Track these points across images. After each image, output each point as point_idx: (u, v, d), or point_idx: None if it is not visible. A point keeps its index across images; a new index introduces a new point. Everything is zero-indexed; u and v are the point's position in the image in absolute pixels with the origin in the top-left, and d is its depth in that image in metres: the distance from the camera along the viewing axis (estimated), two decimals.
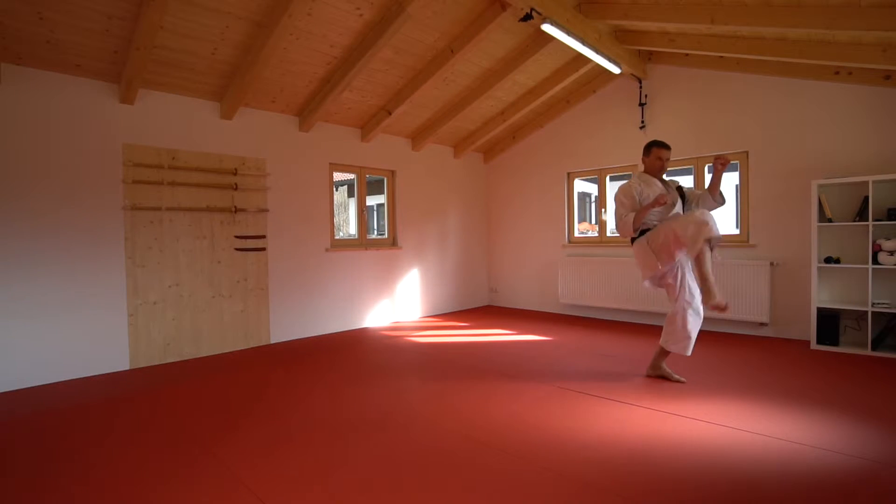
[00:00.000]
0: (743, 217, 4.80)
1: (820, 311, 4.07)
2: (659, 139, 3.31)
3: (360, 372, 3.65)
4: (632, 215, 3.10)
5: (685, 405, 2.79)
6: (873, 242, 3.83)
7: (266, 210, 4.60)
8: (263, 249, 4.60)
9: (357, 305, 5.43)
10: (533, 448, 2.30)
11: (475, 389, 3.19)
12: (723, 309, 2.85)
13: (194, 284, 4.15)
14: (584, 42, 4.10)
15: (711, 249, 2.90)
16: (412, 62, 4.38)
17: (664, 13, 3.83)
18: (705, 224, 2.80)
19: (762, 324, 4.59)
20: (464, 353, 4.20)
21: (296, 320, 4.87)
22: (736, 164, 4.83)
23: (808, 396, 2.91)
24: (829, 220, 4.06)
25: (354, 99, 4.77)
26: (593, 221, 12.56)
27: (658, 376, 3.33)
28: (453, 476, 2.05)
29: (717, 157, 3.00)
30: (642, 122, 5.33)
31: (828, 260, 4.07)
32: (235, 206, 4.37)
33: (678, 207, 3.20)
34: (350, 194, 14.58)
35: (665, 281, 3.22)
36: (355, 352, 4.31)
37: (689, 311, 3.08)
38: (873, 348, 3.84)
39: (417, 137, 5.94)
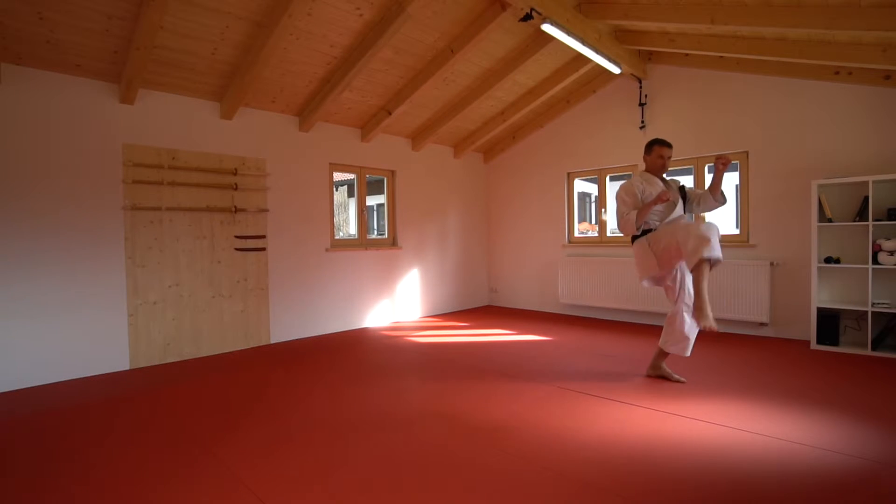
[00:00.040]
0: (743, 217, 4.80)
1: (820, 311, 4.07)
2: (660, 137, 3.29)
3: (360, 372, 3.65)
4: (633, 213, 3.08)
5: (685, 405, 2.80)
6: (873, 242, 3.83)
7: (266, 210, 4.60)
8: (263, 249, 4.60)
9: (357, 305, 5.43)
10: (533, 448, 2.30)
11: (475, 389, 3.19)
12: (713, 330, 2.79)
13: (194, 284, 4.15)
14: (584, 42, 4.10)
15: (711, 268, 2.83)
16: (412, 62, 4.38)
17: (664, 13, 3.83)
18: (707, 241, 2.75)
19: (762, 324, 4.59)
20: (464, 353, 4.20)
21: (296, 320, 4.87)
22: (736, 164, 4.82)
23: (808, 396, 2.92)
24: (829, 220, 4.06)
25: (354, 99, 4.77)
26: (593, 221, 12.56)
27: (658, 376, 3.33)
28: (453, 476, 2.05)
29: (718, 157, 2.98)
30: (642, 122, 5.33)
31: (828, 260, 4.07)
32: (235, 206, 4.37)
33: (679, 209, 3.17)
34: (350, 194, 14.58)
35: (664, 283, 3.22)
36: (355, 352, 4.31)
37: (689, 313, 3.07)
38: (873, 348, 3.84)
39: (417, 137, 5.94)
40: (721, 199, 3.16)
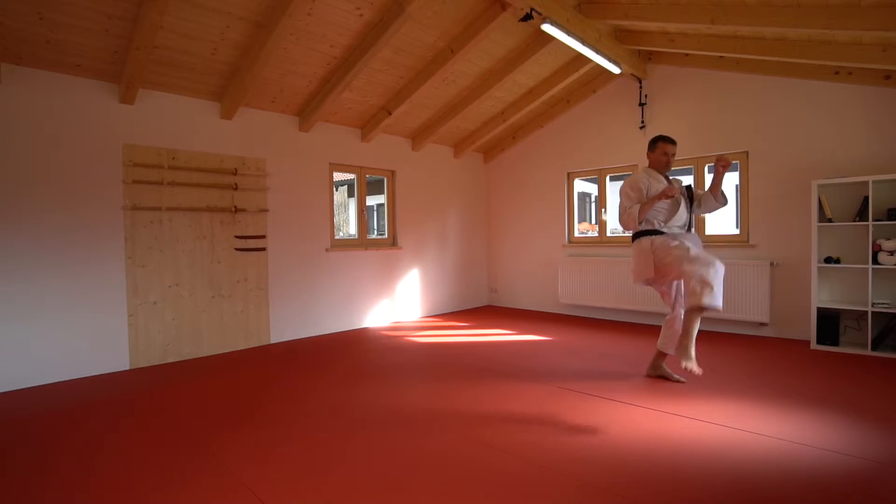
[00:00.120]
0: (743, 217, 4.80)
1: (820, 311, 4.07)
2: (667, 133, 3.22)
3: (359, 372, 3.65)
4: (636, 207, 3.00)
5: (685, 405, 2.79)
6: (873, 242, 3.83)
7: (266, 210, 4.60)
8: (263, 249, 4.60)
9: (357, 305, 5.43)
10: (533, 448, 2.30)
11: (475, 389, 3.19)
12: (694, 372, 2.68)
13: (194, 284, 4.15)
14: (584, 42, 4.10)
15: (704, 309, 2.72)
16: (412, 62, 4.38)
17: (664, 13, 3.83)
18: (710, 288, 2.66)
19: (762, 324, 4.59)
20: (464, 353, 4.20)
21: (296, 320, 4.87)
22: (736, 164, 4.83)
23: (809, 396, 2.91)
24: (829, 220, 4.06)
25: (354, 99, 4.77)
26: (593, 221, 12.56)
27: (658, 376, 3.33)
28: (454, 476, 2.05)
29: (718, 158, 2.96)
30: (642, 122, 5.33)
31: (828, 260, 4.07)
32: (235, 206, 4.37)
33: (682, 211, 3.08)
34: (350, 194, 14.58)
35: (659, 287, 3.19)
36: (355, 352, 4.31)
37: None
38: (873, 348, 3.84)
39: (417, 137, 5.94)
40: (722, 200, 3.13)
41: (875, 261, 3.82)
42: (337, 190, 13.83)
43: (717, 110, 4.84)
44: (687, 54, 4.81)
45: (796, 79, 4.36)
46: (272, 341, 4.68)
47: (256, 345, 4.55)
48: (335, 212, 6.26)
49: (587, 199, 13.79)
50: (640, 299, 5.25)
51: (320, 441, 2.41)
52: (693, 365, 2.66)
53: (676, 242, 2.90)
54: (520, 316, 6.07)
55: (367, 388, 3.25)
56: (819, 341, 4.05)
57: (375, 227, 12.84)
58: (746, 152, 4.70)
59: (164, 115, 3.99)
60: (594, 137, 5.81)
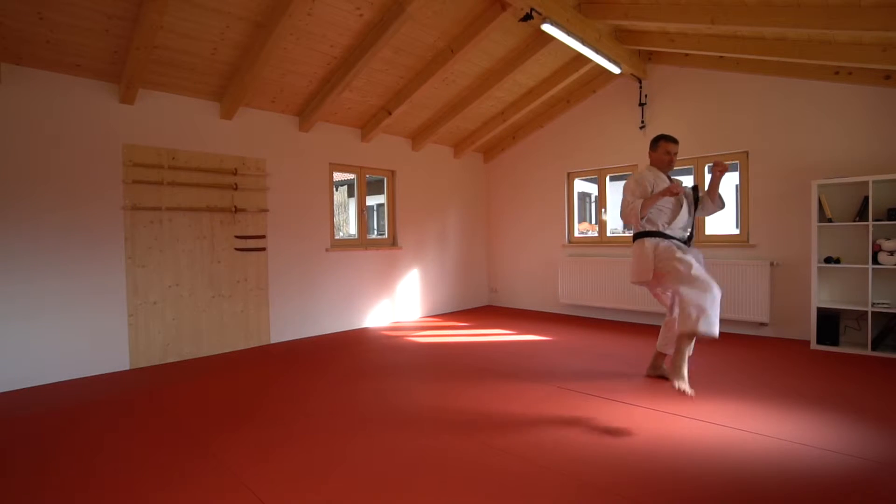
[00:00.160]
0: (743, 217, 4.80)
1: (820, 311, 4.07)
2: (667, 133, 3.15)
3: (359, 372, 3.65)
4: (639, 202, 2.92)
5: (685, 405, 2.79)
6: (873, 242, 3.83)
7: (266, 210, 4.60)
8: (263, 249, 4.60)
9: (357, 305, 5.43)
10: (533, 448, 2.30)
11: (475, 389, 3.19)
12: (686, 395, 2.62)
13: (194, 284, 4.15)
14: (584, 42, 4.10)
15: (697, 335, 2.69)
16: (412, 62, 4.38)
17: (664, 13, 3.83)
18: (706, 315, 2.63)
19: (762, 324, 4.59)
20: (464, 353, 4.20)
21: (296, 320, 4.87)
22: (736, 164, 4.83)
23: (809, 396, 2.91)
24: (829, 220, 4.06)
25: (354, 99, 4.77)
26: (593, 221, 12.56)
27: (658, 376, 3.33)
28: (454, 476, 2.05)
29: (715, 163, 2.92)
30: (642, 122, 5.33)
31: (828, 260, 4.07)
32: (235, 206, 4.37)
33: (684, 213, 3.01)
34: (350, 194, 14.58)
35: (653, 290, 3.15)
36: (355, 352, 4.31)
37: None
38: (873, 348, 3.84)
39: (417, 137, 5.94)
40: (719, 204, 3.08)
41: (875, 261, 3.82)
42: (337, 190, 13.83)
43: (717, 110, 4.84)
44: (687, 54, 4.81)
45: (796, 79, 4.36)
46: (272, 341, 4.68)
47: (256, 345, 4.55)
48: (335, 212, 6.26)
49: (587, 199, 13.79)
50: (640, 299, 5.25)
51: (320, 441, 2.41)
52: (685, 386, 2.61)
53: (679, 255, 2.82)
54: (520, 316, 6.07)
55: (367, 388, 3.25)
56: (819, 341, 4.05)
57: (375, 227, 12.84)
58: (746, 152, 4.70)
59: (164, 115, 3.99)
60: (594, 137, 5.81)
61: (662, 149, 3.06)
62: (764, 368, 3.54)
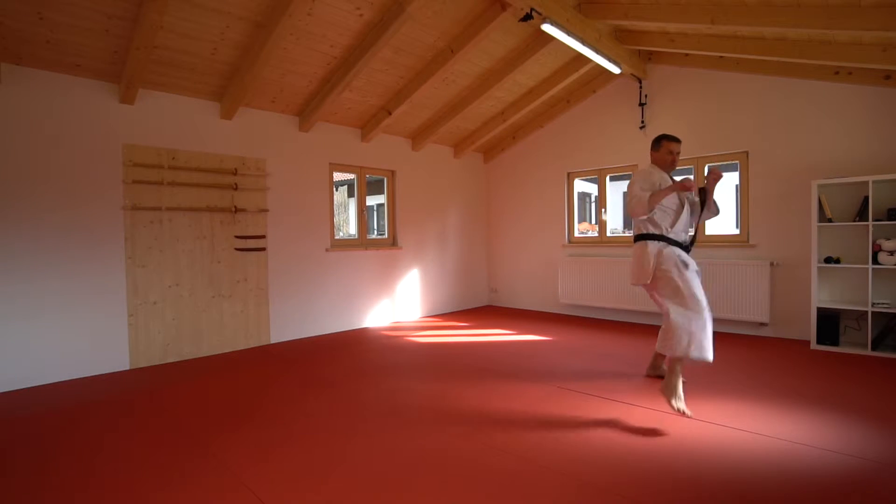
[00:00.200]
0: (743, 217, 4.80)
1: (820, 311, 4.07)
2: (668, 133, 3.09)
3: (359, 372, 3.65)
4: (647, 194, 2.82)
5: (685, 405, 2.79)
6: (873, 242, 3.83)
7: (266, 210, 4.60)
8: (263, 249, 4.60)
9: (357, 305, 5.43)
10: (533, 448, 2.30)
11: (475, 389, 3.19)
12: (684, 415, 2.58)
13: (194, 284, 4.15)
14: (584, 42, 4.10)
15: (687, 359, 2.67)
16: (412, 62, 4.38)
17: (664, 13, 3.83)
18: (696, 340, 2.59)
19: (762, 324, 4.59)
20: (464, 353, 4.20)
21: (296, 320, 4.87)
22: (736, 163, 4.84)
23: (809, 396, 2.92)
24: (829, 220, 4.06)
25: (354, 99, 4.77)
26: (593, 221, 12.56)
27: (658, 376, 3.33)
28: (454, 475, 2.05)
29: (710, 171, 2.87)
30: (642, 122, 5.33)
31: (828, 260, 4.07)
32: (235, 206, 4.37)
33: (686, 216, 2.96)
34: (350, 194, 14.59)
35: (651, 293, 3.09)
36: (355, 352, 4.31)
37: None
38: (873, 348, 3.84)
39: (417, 137, 5.94)
40: (714, 210, 3.03)
41: (875, 261, 3.82)
42: (337, 190, 13.83)
43: (717, 110, 4.84)
44: (687, 54, 4.82)
45: (796, 79, 4.36)
46: (272, 341, 4.68)
47: (256, 345, 4.55)
48: (335, 212, 6.26)
49: (587, 199, 13.79)
50: (640, 299, 5.24)
51: (320, 441, 2.41)
52: (683, 405, 2.57)
53: (677, 272, 2.76)
54: (520, 316, 6.07)
55: (367, 389, 3.25)
56: (819, 341, 4.05)
57: (375, 227, 12.84)
58: (746, 152, 4.70)
59: (164, 115, 3.99)
60: (594, 137, 5.81)
61: (665, 148, 2.99)
62: (764, 368, 3.54)
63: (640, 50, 5.02)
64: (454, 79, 4.84)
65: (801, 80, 4.33)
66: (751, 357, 3.87)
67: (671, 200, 2.91)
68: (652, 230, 2.93)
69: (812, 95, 4.31)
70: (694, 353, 2.58)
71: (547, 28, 3.79)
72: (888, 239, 3.81)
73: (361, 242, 5.68)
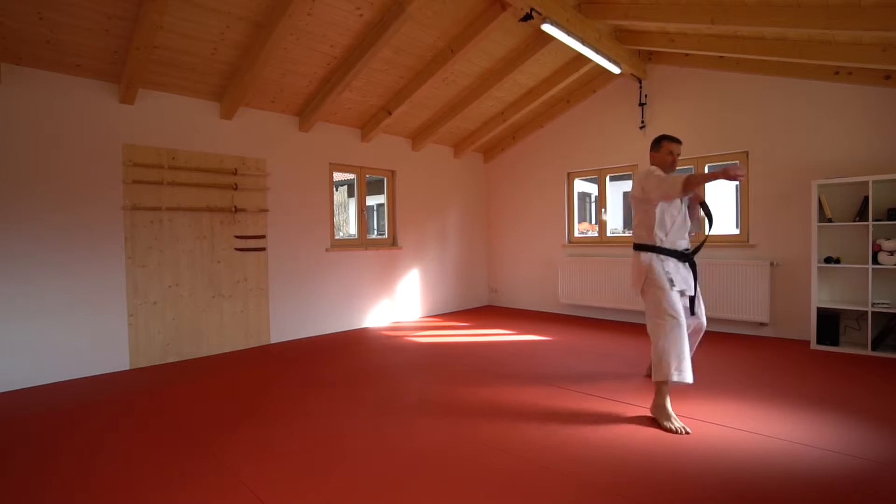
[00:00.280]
0: (743, 217, 4.80)
1: (820, 311, 4.07)
2: (669, 133, 3.02)
3: (359, 372, 3.65)
4: (681, 176, 2.56)
5: (685, 405, 2.79)
6: (873, 242, 3.83)
7: (266, 210, 4.60)
8: (263, 249, 4.60)
9: (357, 305, 5.43)
10: (533, 448, 2.30)
11: (475, 389, 3.19)
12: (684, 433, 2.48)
13: (194, 284, 4.15)
14: (584, 42, 4.10)
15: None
16: (412, 62, 4.38)
17: (664, 13, 3.83)
18: (677, 364, 2.53)
19: (762, 324, 4.59)
20: (464, 353, 4.20)
21: (296, 320, 4.87)
22: (736, 164, 4.82)
23: (809, 397, 2.91)
24: (829, 220, 4.06)
25: (354, 99, 4.77)
26: (593, 221, 12.57)
27: None
28: (454, 476, 2.05)
29: (695, 197, 2.86)
30: (642, 122, 5.33)
31: (828, 260, 4.07)
32: (235, 206, 4.37)
33: (686, 225, 2.90)
34: (350, 194, 14.59)
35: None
36: (355, 352, 4.31)
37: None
38: (873, 348, 3.84)
39: (417, 137, 5.94)
40: (696, 226, 2.99)
41: (875, 261, 3.82)
42: (337, 190, 13.83)
43: (717, 110, 4.84)
44: (687, 54, 4.82)
45: (796, 79, 4.36)
46: (272, 341, 4.68)
47: (256, 345, 4.55)
48: (335, 212, 6.26)
49: (587, 199, 13.80)
50: (639, 299, 5.22)
51: (320, 441, 2.41)
52: (678, 423, 2.49)
53: (660, 289, 2.69)
54: (520, 316, 6.07)
55: (366, 388, 3.25)
56: (819, 341, 4.05)
57: (375, 227, 12.84)
58: (746, 152, 4.70)
59: (164, 115, 3.99)
60: (594, 137, 5.81)
61: (665, 149, 2.90)
62: (764, 368, 3.54)
63: (640, 50, 5.02)
64: (454, 79, 4.84)
65: (801, 80, 4.33)
66: (751, 357, 3.87)
67: (676, 207, 2.81)
68: (646, 240, 2.84)
69: (812, 95, 4.31)
70: (674, 378, 2.54)
71: (547, 28, 3.79)
72: (888, 239, 3.81)
73: (361, 242, 5.68)
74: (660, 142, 2.95)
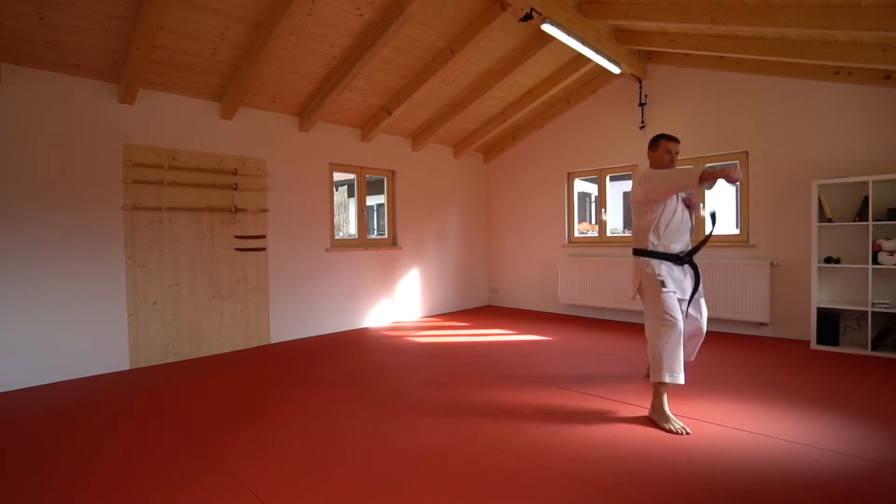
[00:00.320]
0: (743, 217, 4.80)
1: (820, 311, 4.07)
2: (667, 132, 2.98)
3: (359, 372, 3.65)
4: (695, 169, 2.50)
5: (685, 405, 2.79)
6: (873, 242, 3.83)
7: (266, 210, 4.60)
8: (263, 249, 4.60)
9: (357, 305, 5.43)
10: (533, 448, 2.30)
11: (475, 389, 3.19)
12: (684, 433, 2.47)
13: (194, 284, 4.15)
14: (583, 42, 4.10)
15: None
16: (412, 62, 4.38)
17: (664, 13, 3.83)
18: (669, 365, 2.54)
19: (762, 324, 4.59)
20: (464, 353, 4.20)
21: (296, 320, 4.87)
22: (736, 164, 4.84)
23: (809, 397, 2.91)
24: (829, 220, 4.06)
25: (354, 99, 4.77)
26: (593, 221, 12.57)
27: None
28: (454, 476, 2.05)
29: (690, 197, 2.88)
30: (642, 122, 5.33)
31: (828, 260, 4.07)
32: (235, 206, 4.37)
33: (686, 219, 2.86)
34: (350, 194, 14.58)
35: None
36: (355, 352, 4.31)
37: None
38: (873, 348, 3.84)
39: (417, 137, 5.94)
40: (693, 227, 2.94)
41: (875, 261, 3.82)
42: (337, 190, 13.83)
43: (717, 110, 4.84)
44: (687, 54, 4.82)
45: (796, 79, 4.36)
46: (272, 341, 4.68)
47: (256, 345, 4.55)
48: (335, 212, 6.26)
49: (587, 199, 13.80)
50: (639, 300, 5.23)
51: (320, 441, 2.41)
52: (678, 425, 2.47)
53: (654, 291, 2.67)
54: (520, 316, 6.07)
55: (366, 388, 3.25)
56: (819, 341, 4.05)
57: (375, 227, 12.84)
58: (746, 152, 4.70)
59: (164, 115, 3.99)
60: (594, 137, 5.81)
61: (663, 148, 2.86)
62: (764, 368, 3.54)
63: (640, 50, 5.02)
64: (454, 79, 4.84)
65: (801, 80, 4.33)
66: (751, 357, 3.87)
67: (671, 206, 2.78)
68: (639, 244, 2.83)
69: (812, 95, 4.31)
70: (666, 379, 2.56)
71: (547, 28, 3.79)
72: (888, 239, 3.81)
73: (361, 242, 5.68)
74: (658, 141, 2.90)
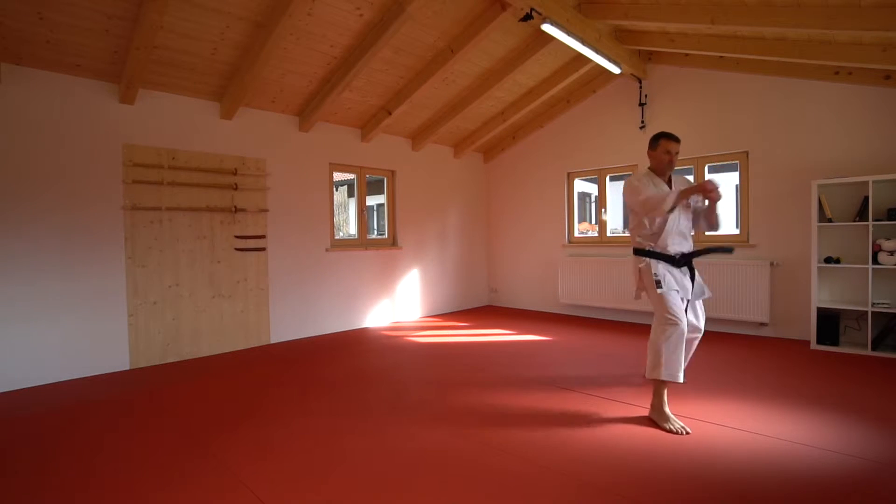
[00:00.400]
0: (743, 217, 4.80)
1: (820, 311, 4.07)
2: (667, 131, 2.89)
3: (359, 372, 3.65)
4: (671, 195, 2.56)
5: (685, 405, 2.79)
6: (873, 242, 3.83)
7: (266, 210, 4.60)
8: (263, 249, 4.60)
9: (357, 305, 5.43)
10: (533, 448, 2.30)
11: (475, 389, 3.19)
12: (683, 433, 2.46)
13: (194, 284, 4.15)
14: (583, 42, 4.10)
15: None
16: (412, 62, 4.38)
17: (664, 13, 3.83)
18: (667, 362, 2.54)
19: (762, 324, 4.58)
20: (464, 353, 4.20)
21: (296, 320, 4.87)
22: (736, 164, 4.84)
23: (809, 396, 2.91)
24: (829, 220, 4.06)
25: (354, 99, 4.77)
26: (593, 221, 12.57)
27: None
28: (454, 475, 2.05)
29: (704, 184, 2.71)
30: (642, 122, 5.33)
31: (828, 260, 4.07)
32: (235, 206, 4.37)
33: (685, 220, 2.84)
34: (350, 194, 14.58)
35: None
36: (355, 352, 4.31)
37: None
38: (873, 348, 3.84)
39: (417, 137, 5.94)
40: (715, 225, 2.90)
41: (875, 261, 3.82)
42: (337, 190, 13.83)
43: (717, 110, 4.84)
44: (687, 54, 4.81)
45: (796, 79, 4.36)
46: (272, 341, 4.67)
47: (256, 345, 4.55)
48: (335, 212, 6.26)
49: (587, 199, 13.79)
50: (643, 299, 5.23)
51: (320, 441, 2.41)
52: (678, 425, 2.47)
53: (662, 295, 2.64)
54: (520, 316, 6.07)
55: (366, 389, 3.25)
56: (819, 341, 4.05)
57: (375, 227, 12.84)
58: (746, 152, 4.70)
59: (164, 115, 3.99)
60: (594, 137, 5.81)
61: (662, 147, 2.78)
62: (764, 368, 3.54)
63: (640, 50, 5.02)
64: (454, 79, 4.84)
65: (801, 80, 4.33)
66: (751, 357, 3.87)
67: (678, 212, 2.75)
68: (636, 244, 2.82)
69: (812, 95, 4.31)
70: (664, 376, 2.55)
71: (547, 28, 3.79)
72: (888, 239, 3.81)
73: (361, 242, 5.68)
74: (657, 140, 2.82)
